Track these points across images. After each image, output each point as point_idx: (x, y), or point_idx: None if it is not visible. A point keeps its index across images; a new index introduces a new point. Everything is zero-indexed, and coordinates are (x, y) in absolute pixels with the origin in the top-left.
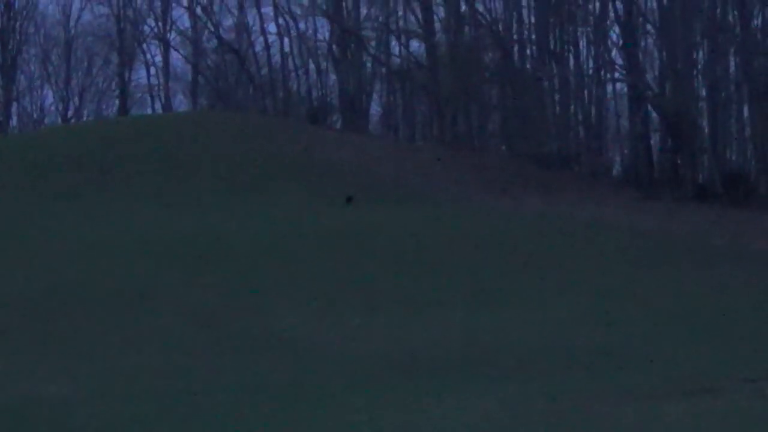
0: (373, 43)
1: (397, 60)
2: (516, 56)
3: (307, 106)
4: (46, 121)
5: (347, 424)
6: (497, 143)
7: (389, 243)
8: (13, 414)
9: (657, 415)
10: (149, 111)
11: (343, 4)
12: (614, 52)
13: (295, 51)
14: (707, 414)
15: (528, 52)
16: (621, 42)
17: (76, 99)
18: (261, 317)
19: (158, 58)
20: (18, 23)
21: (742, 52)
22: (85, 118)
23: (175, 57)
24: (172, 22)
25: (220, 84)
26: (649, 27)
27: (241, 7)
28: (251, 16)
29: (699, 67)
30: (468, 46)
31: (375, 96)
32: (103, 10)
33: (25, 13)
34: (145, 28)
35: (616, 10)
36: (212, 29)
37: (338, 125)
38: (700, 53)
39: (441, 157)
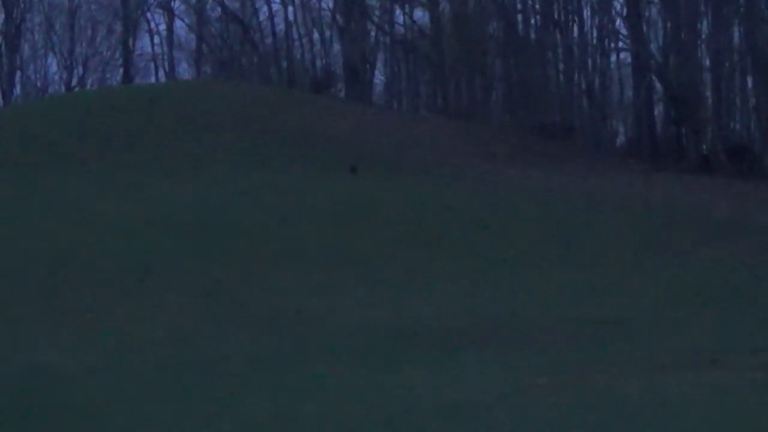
0: (377, 13)
1: (401, 29)
2: (520, 26)
3: (311, 76)
4: (50, 89)
5: (351, 396)
6: (501, 114)
7: (392, 214)
8: (18, 385)
9: (662, 387)
10: (153, 80)
11: None
12: (618, 22)
13: (299, 20)
14: (712, 386)
15: (532, 22)
16: (625, 12)
17: (80, 68)
18: (264, 289)
19: (162, 27)
20: None
21: (746, 23)
22: (89, 87)
23: (179, 25)
24: None
25: (224, 53)
26: None
27: None
28: None
29: (703, 37)
30: (472, 16)
31: (379, 66)
32: None
33: None
34: None
35: None
36: None
37: (342, 95)
38: (705, 23)
39: (443, 130)
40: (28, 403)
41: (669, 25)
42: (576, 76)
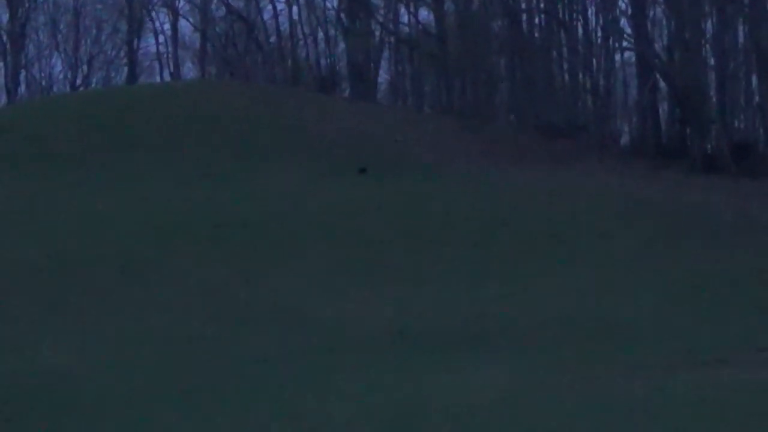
0: (381, 12)
1: (406, 29)
2: (525, 25)
3: (316, 75)
4: (55, 89)
5: (354, 396)
6: (505, 113)
7: (396, 214)
8: (18, 385)
9: (667, 387)
10: (158, 79)
11: None
12: (623, 21)
13: (304, 19)
14: (717, 385)
15: (537, 21)
16: (630, 11)
17: (85, 67)
18: (267, 289)
19: (167, 26)
20: None
21: (750, 22)
22: (93, 86)
23: (184, 25)
24: None
25: (228, 52)
26: None
27: None
28: None
29: (707, 36)
30: (477, 15)
31: (383, 65)
32: None
33: None
34: None
35: None
36: None
37: (346, 94)
38: (709, 23)
39: (448, 129)
40: (31, 404)
41: (673, 24)
42: (581, 76)
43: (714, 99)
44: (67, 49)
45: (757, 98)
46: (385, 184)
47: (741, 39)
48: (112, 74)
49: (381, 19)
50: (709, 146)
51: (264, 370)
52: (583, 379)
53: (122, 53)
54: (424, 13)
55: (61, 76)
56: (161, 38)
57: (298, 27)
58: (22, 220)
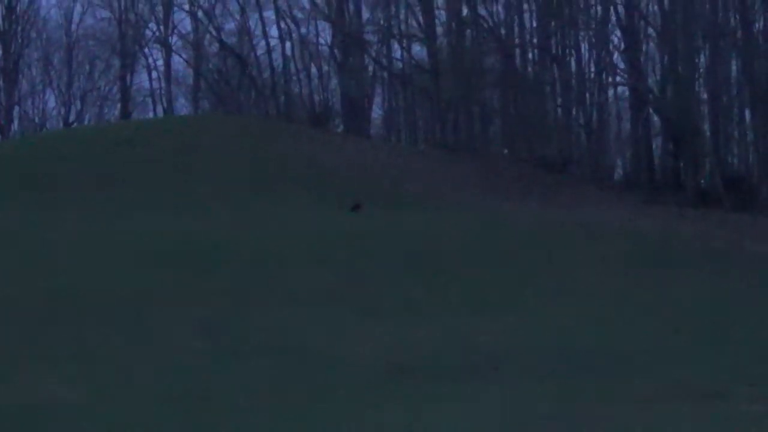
0: (374, 47)
1: (399, 64)
2: (518, 60)
3: (309, 110)
4: (48, 125)
5: (348, 429)
6: (499, 147)
7: (391, 247)
8: (14, 418)
9: (660, 420)
10: (151, 115)
11: (345, 8)
12: (616, 56)
13: (297, 55)
14: (710, 419)
15: (530, 56)
16: (623, 46)
17: (78, 103)
18: (262, 322)
19: (160, 62)
20: (20, 27)
21: (743, 56)
22: (86, 123)
23: (177, 61)
24: (174, 26)
25: (221, 88)
26: (650, 31)
27: (242, 11)
28: (253, 20)
29: (701, 71)
30: (470, 50)
31: (377, 100)
32: (105, 14)
33: (26, 17)
34: (147, 32)
35: (617, 14)
36: (214, 33)
37: (340, 129)
38: (702, 57)
39: (441, 163)
40: None
41: (667, 58)
42: (574, 110)
43: (707, 133)
44: (60, 85)
45: (750, 132)
46: (380, 218)
47: (734, 73)
48: (105, 110)
49: (374, 55)
50: (702, 180)
51: (259, 405)
52: (580, 410)
53: (115, 89)
54: (417, 49)
55: (54, 113)
56: (154, 74)
57: (291, 63)
58: (15, 255)
